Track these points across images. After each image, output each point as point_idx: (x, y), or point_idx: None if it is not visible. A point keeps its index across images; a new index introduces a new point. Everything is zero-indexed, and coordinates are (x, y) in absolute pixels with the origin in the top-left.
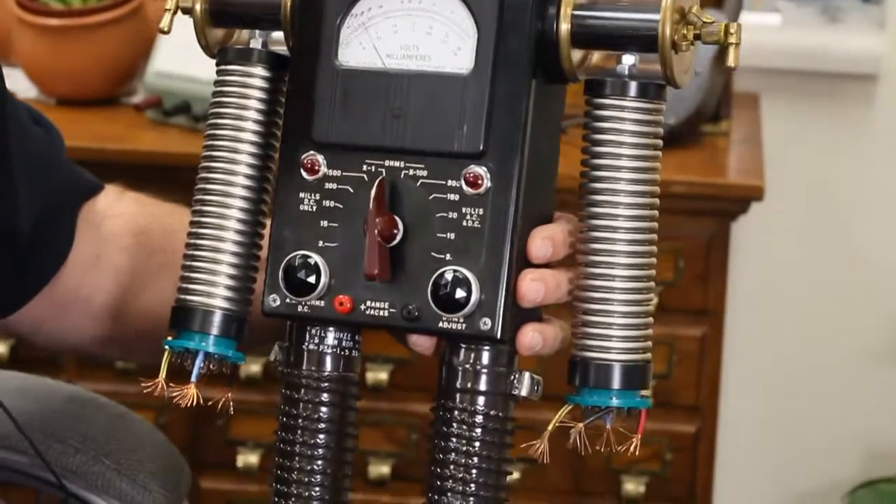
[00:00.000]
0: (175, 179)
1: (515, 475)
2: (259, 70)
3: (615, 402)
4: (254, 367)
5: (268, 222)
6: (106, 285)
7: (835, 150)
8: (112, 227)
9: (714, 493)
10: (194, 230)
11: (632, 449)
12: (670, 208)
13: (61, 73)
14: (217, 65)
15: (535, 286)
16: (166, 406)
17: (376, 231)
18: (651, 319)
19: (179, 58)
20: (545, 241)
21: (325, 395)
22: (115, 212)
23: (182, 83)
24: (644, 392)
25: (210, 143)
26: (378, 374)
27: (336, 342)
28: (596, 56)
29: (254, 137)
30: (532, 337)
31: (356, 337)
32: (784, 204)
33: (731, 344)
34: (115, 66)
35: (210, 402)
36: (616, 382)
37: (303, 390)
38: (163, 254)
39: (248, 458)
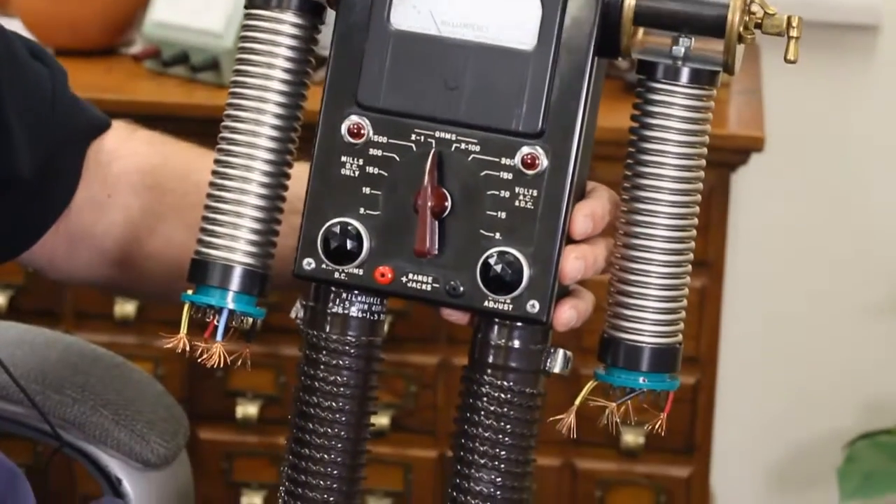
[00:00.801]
0: (174, 130)
1: None
2: (290, 17)
3: (644, 383)
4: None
5: (295, 174)
6: (116, 225)
7: (835, 102)
8: (123, 167)
9: (713, 445)
10: (217, 181)
11: (657, 427)
12: None
13: (59, 23)
14: (245, 8)
15: (577, 264)
16: (164, 357)
17: (429, 207)
18: (685, 303)
19: (178, 8)
20: (587, 218)
21: (350, 360)
22: (126, 151)
23: (180, 33)
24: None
25: (235, 90)
26: None
27: (366, 307)
28: (653, 35)
29: (282, 87)
30: (569, 314)
31: (384, 301)
32: (784, 155)
33: (731, 295)
34: (114, 16)
35: (232, 357)
36: (646, 365)
37: (326, 354)
38: (174, 195)
39: (248, 410)
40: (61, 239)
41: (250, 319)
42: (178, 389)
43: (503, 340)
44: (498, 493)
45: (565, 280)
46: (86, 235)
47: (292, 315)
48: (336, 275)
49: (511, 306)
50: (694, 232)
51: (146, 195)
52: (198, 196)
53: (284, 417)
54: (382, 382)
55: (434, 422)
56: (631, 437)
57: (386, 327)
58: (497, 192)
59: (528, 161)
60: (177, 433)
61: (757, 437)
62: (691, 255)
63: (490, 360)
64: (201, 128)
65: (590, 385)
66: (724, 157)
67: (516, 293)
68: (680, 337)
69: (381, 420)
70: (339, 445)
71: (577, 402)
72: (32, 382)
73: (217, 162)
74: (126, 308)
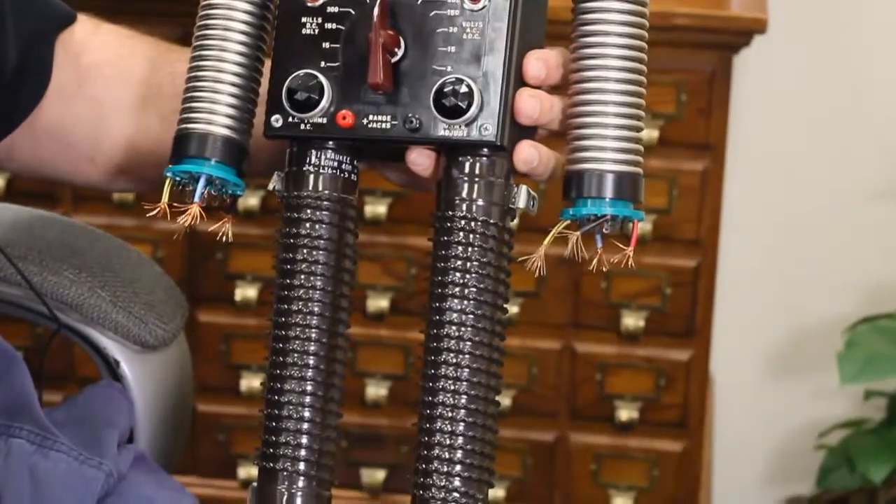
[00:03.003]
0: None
1: (514, 309)
2: None
3: (609, 209)
4: (252, 201)
5: (268, 62)
6: (86, 115)
7: None
8: (92, 58)
9: (713, 328)
10: (195, 62)
11: (625, 262)
12: (672, 41)
13: None
14: None
15: (531, 102)
16: (163, 239)
17: (380, 42)
18: (642, 135)
19: None
20: (539, 61)
21: (326, 213)
22: (95, 43)
23: None
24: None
25: None
26: (377, 208)
27: (336, 163)
28: None
29: None
30: (529, 151)
31: (354, 162)
32: (787, 37)
33: (732, 178)
34: None
35: (211, 229)
36: (609, 191)
37: (304, 210)
38: (145, 86)
39: (247, 292)
40: (25, 131)
41: (230, 195)
42: (176, 271)
43: (467, 175)
44: (470, 319)
45: (520, 117)
46: (53, 128)
47: (270, 186)
48: (302, 126)
49: (465, 131)
50: (644, 67)
51: (118, 87)
52: (171, 87)
53: None
54: (382, 265)
55: None
56: (631, 321)
57: (384, 209)
58: (446, 29)
59: None
60: (175, 315)
61: (757, 322)
62: (643, 88)
63: (455, 194)
64: None
65: (559, 225)
66: (726, 39)
67: (468, 116)
68: (640, 168)
69: (381, 303)
70: (319, 297)
71: (546, 241)
72: (30, 264)
73: (196, 44)
74: None
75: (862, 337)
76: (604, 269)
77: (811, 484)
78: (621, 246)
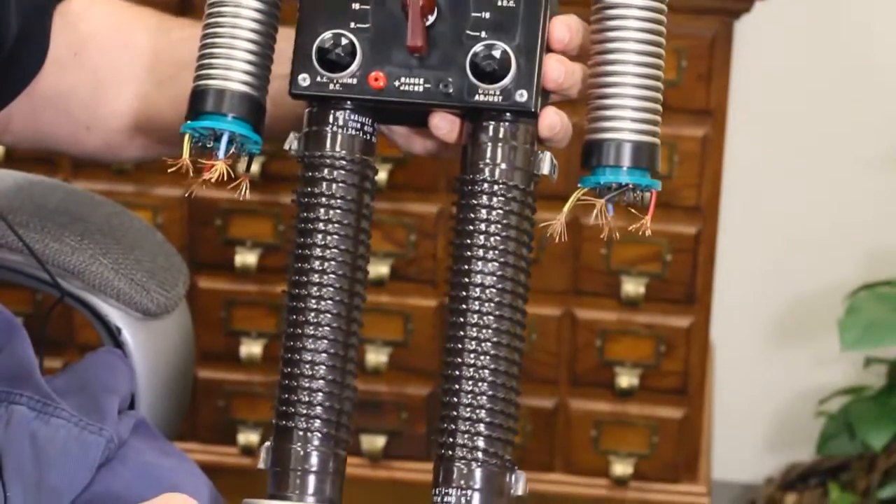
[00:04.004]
0: None
1: None
2: None
3: (627, 178)
4: (252, 168)
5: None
6: (83, 82)
7: None
8: (90, 26)
9: (714, 295)
10: (211, 20)
11: (642, 230)
12: (672, 6)
13: None
14: None
15: (559, 67)
16: (163, 205)
17: (419, 4)
18: (659, 107)
19: None
20: (563, 25)
21: (349, 173)
22: (93, 12)
23: None
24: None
25: None
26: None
27: (359, 125)
28: None
29: None
30: (553, 117)
31: (374, 125)
32: (788, 1)
33: (733, 144)
34: None
35: (232, 184)
36: (628, 159)
37: (325, 170)
38: (143, 54)
39: (247, 258)
40: (23, 101)
41: (245, 158)
42: (177, 238)
43: (493, 138)
44: (494, 281)
45: (547, 82)
46: (50, 96)
47: (286, 147)
48: (331, 86)
49: (501, 97)
50: (664, 35)
51: (115, 54)
52: (168, 54)
53: (283, 266)
54: (382, 231)
55: (434, 271)
56: (631, 287)
57: (385, 176)
58: None
59: None
60: (177, 282)
61: (758, 288)
62: (663, 54)
63: (481, 158)
64: None
65: (577, 192)
66: (727, 4)
67: (505, 82)
68: (658, 140)
69: (381, 269)
70: (339, 256)
71: (566, 208)
72: (31, 231)
73: (210, 2)
74: None
75: (862, 303)
76: (615, 237)
77: (811, 450)
78: (636, 213)
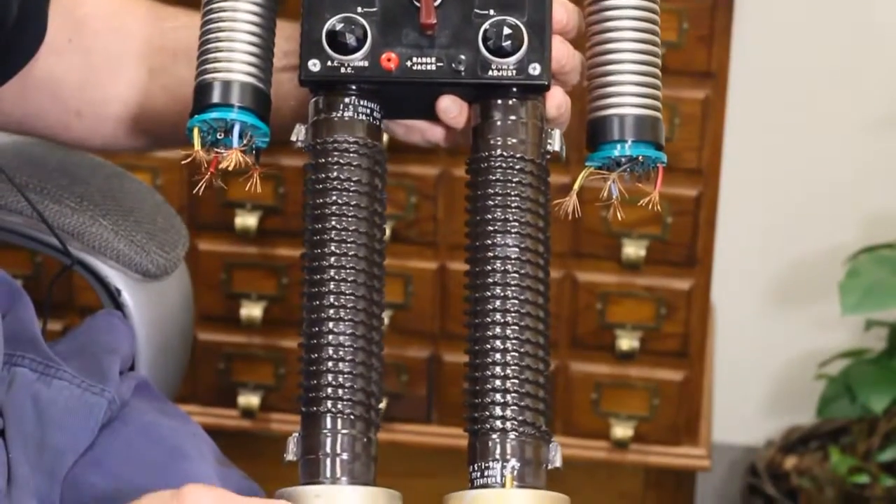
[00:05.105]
0: None
1: None
2: None
3: (631, 151)
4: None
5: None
6: (76, 67)
7: None
8: (85, 11)
9: (714, 257)
10: (210, 15)
11: (651, 205)
12: None
13: None
14: None
15: (563, 47)
16: (162, 167)
17: None
18: (659, 82)
19: None
20: (563, 6)
21: (359, 158)
22: None
23: None
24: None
25: None
26: None
27: (369, 110)
28: None
29: None
30: (560, 96)
31: (381, 111)
32: None
33: (734, 107)
34: None
35: (238, 171)
36: (632, 132)
37: (335, 154)
38: (136, 40)
39: (246, 221)
40: (15, 83)
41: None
42: (177, 200)
43: (505, 114)
44: (519, 253)
45: (554, 62)
46: (43, 79)
47: (293, 138)
48: (342, 70)
49: (514, 71)
50: (657, 13)
51: (109, 39)
52: (161, 42)
53: (284, 229)
54: None
55: (434, 233)
56: (632, 249)
57: (385, 137)
58: None
59: None
60: (176, 244)
61: (759, 251)
62: (659, 31)
63: (494, 135)
64: None
65: (585, 171)
66: None
67: (518, 56)
68: (660, 114)
69: None
70: (358, 239)
71: (576, 186)
72: (31, 192)
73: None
74: None
75: (863, 266)
76: (619, 217)
77: (811, 413)
78: (643, 188)
